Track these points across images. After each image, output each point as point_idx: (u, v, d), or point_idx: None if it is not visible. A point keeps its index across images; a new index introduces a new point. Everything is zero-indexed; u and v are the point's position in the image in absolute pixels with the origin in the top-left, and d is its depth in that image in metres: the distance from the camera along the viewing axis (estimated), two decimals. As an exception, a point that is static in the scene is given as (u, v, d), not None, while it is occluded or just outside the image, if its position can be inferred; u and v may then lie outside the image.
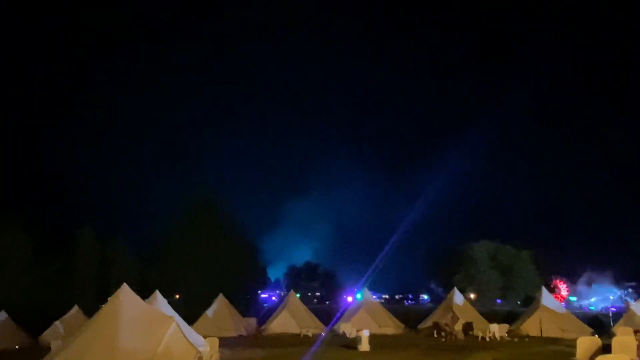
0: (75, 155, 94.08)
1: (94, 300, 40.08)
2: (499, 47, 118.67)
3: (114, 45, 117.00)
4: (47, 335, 29.97)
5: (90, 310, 31.52)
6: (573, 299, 70.71)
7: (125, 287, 18.56)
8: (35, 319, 33.28)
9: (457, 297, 35.29)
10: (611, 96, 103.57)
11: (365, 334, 24.70)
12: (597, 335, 27.44)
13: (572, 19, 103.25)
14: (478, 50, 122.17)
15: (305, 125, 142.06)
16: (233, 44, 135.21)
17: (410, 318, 38.01)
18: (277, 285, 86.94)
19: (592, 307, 59.64)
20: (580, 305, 64.79)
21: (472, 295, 52.55)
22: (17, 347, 29.83)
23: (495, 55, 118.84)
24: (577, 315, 35.73)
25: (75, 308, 32.93)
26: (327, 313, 39.49)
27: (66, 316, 32.01)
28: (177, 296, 46.72)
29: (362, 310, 34.26)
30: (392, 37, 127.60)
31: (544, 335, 30.61)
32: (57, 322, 31.18)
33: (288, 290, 47.61)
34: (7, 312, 32.28)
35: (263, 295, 77.56)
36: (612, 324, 32.54)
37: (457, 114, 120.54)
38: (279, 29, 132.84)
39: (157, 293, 23.18)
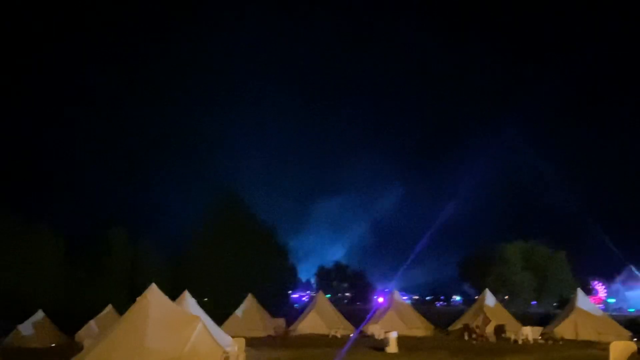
0: (105, 159, 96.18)
1: (126, 299, 40.87)
2: (533, 40, 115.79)
3: (145, 50, 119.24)
4: (82, 333, 30.73)
5: (123, 310, 32.18)
6: (611, 300, 68.69)
7: (153, 287, 18.85)
8: (70, 318, 34.15)
9: (489, 299, 34.58)
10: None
11: (393, 335, 24.46)
12: (635, 339, 26.60)
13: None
14: (511, 45, 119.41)
15: (338, 122, 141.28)
16: (257, 42, 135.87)
17: (441, 320, 37.52)
18: (308, 285, 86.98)
19: (631, 310, 57.78)
20: (620, 307, 62.89)
21: (505, 297, 51.53)
22: (52, 345, 30.65)
23: (529, 49, 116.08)
24: (615, 318, 34.65)
25: (109, 307, 33.64)
26: (357, 314, 39.31)
27: (100, 315, 32.75)
28: (206, 299, 47.25)
29: (391, 311, 33.94)
30: (422, 34, 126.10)
31: (580, 338, 29.75)
32: (91, 321, 31.94)
33: (318, 291, 47.61)
34: (43, 311, 33.25)
35: (294, 296, 77.75)
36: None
37: (490, 113, 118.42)
38: (304, 25, 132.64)
39: (187, 293, 23.43)
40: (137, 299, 18.96)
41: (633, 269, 62.01)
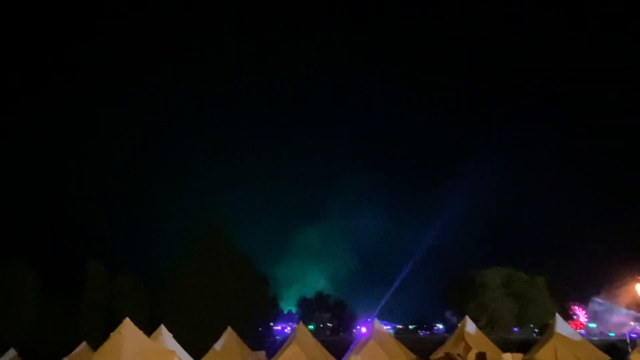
0: (83, 191, 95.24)
1: (102, 334, 39.92)
2: (512, 68, 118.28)
3: (115, 83, 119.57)
4: (55, 372, 29.90)
5: (98, 346, 31.48)
6: (593, 325, 68.99)
7: (127, 322, 18.59)
8: (44, 355, 33.24)
9: (469, 326, 34.54)
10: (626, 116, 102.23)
11: (373, 365, 24.26)
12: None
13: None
14: (492, 73, 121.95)
15: (319, 150, 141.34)
16: (237, 69, 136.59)
17: (423, 348, 37.24)
18: (291, 317, 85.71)
19: (611, 334, 58.08)
20: (601, 332, 63.16)
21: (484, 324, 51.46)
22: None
23: (509, 77, 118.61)
24: (594, 343, 34.84)
25: (84, 344, 32.85)
26: (339, 345, 38.84)
27: (74, 352, 31.94)
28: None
29: (372, 341, 33.58)
30: (407, 62, 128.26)
31: (560, 364, 29.80)
32: (65, 359, 31.10)
33: (299, 322, 46.99)
34: (16, 349, 32.34)
35: (276, 328, 76.58)
36: (630, 350, 31.69)
37: (471, 141, 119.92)
38: (289, 52, 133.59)
39: (163, 327, 23.17)
40: (111, 334, 18.68)
41: (601, 299, 62.91)
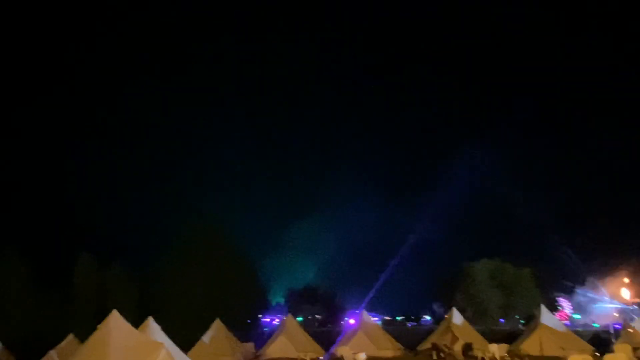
0: (72, 182, 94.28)
1: (91, 327, 39.76)
2: (500, 64, 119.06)
3: (113, 77, 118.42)
4: (42, 364, 29.73)
5: (85, 338, 31.35)
6: (577, 316, 69.93)
7: (115, 313, 18.56)
8: (32, 348, 33.06)
9: (456, 317, 34.98)
10: (611, 109, 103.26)
11: (362, 357, 24.54)
12: (598, 354, 27.24)
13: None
14: (479, 69, 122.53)
15: (311, 144, 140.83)
16: (230, 64, 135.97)
17: (411, 340, 37.62)
18: (279, 308, 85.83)
19: (596, 325, 58.91)
20: (585, 323, 64.06)
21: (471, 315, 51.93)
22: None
23: (496, 73, 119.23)
24: (579, 333, 35.42)
25: (71, 336, 32.68)
26: (328, 337, 39.14)
27: (61, 344, 31.77)
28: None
29: (360, 332, 33.92)
30: (404, 60, 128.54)
31: (545, 354, 30.28)
32: (52, 351, 30.93)
33: (287, 314, 47.12)
34: (3, 341, 32.14)
35: (265, 320, 76.70)
36: (614, 341, 32.22)
37: (457, 136, 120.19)
38: (289, 51, 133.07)
39: (150, 319, 23.11)
40: (98, 326, 18.65)
41: (586, 289, 63.67)
